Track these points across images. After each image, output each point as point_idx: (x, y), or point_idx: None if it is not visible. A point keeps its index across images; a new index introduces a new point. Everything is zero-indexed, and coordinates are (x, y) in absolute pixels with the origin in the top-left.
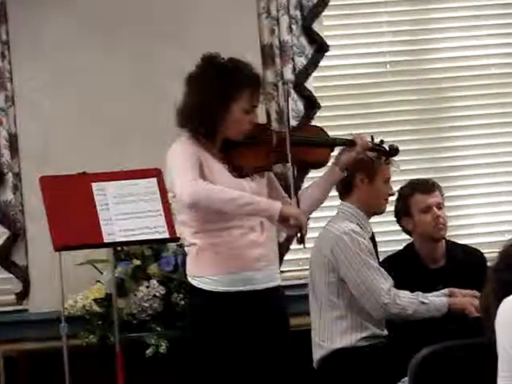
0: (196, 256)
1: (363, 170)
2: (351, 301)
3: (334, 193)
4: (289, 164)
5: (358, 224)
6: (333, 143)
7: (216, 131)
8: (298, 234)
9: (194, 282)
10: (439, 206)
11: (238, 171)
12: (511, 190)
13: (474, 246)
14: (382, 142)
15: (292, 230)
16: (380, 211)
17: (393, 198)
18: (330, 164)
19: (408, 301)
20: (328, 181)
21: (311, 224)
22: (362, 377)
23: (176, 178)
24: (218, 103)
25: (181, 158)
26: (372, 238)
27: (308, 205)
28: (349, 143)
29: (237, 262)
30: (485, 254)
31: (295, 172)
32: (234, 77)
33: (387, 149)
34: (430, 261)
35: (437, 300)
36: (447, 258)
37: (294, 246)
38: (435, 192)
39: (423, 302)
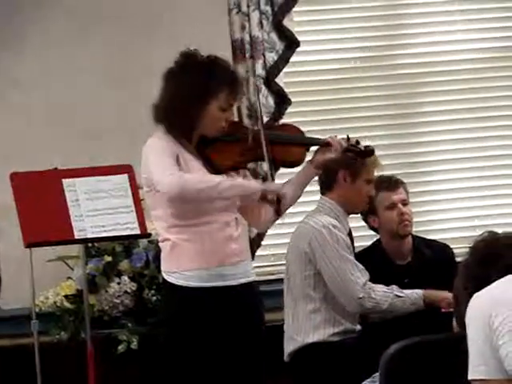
0: (170, 251)
1: (347, 168)
2: (326, 294)
3: (311, 188)
4: (265, 162)
5: (336, 219)
6: (309, 143)
7: (192, 128)
8: (277, 205)
9: (168, 278)
10: (404, 203)
11: (214, 168)
12: (481, 185)
13: (442, 241)
14: (357, 142)
15: (272, 204)
16: (358, 211)
17: None
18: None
19: (383, 295)
20: (302, 179)
21: (288, 219)
22: (333, 372)
23: (156, 173)
24: (195, 100)
25: (158, 153)
26: (349, 234)
27: (284, 203)
28: (324, 143)
29: (212, 257)
30: (455, 249)
31: (261, 169)
32: (212, 74)
33: (363, 149)
34: (396, 257)
35: (412, 293)
36: (414, 254)
37: (265, 241)
38: (399, 189)
39: (398, 296)
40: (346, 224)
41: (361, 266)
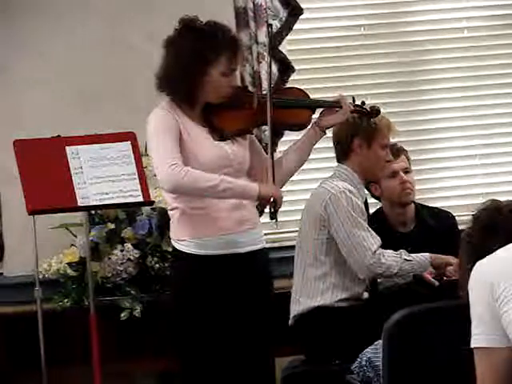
0: (179, 219)
1: (361, 135)
2: (337, 259)
3: (325, 154)
4: (268, 128)
5: (352, 186)
6: (316, 105)
7: (195, 95)
8: (272, 209)
9: (178, 246)
10: (406, 171)
11: (219, 134)
12: (485, 153)
13: (444, 209)
14: (363, 103)
15: (266, 205)
16: (376, 177)
17: None
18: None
19: (392, 260)
20: (309, 142)
21: (304, 186)
22: (337, 337)
23: (156, 159)
24: (195, 66)
25: (160, 134)
26: (365, 204)
27: (290, 166)
28: (332, 105)
29: (219, 225)
30: (458, 217)
31: (264, 135)
32: (211, 39)
33: (369, 110)
34: (399, 225)
35: (420, 256)
36: (417, 222)
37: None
38: (401, 157)
39: (407, 259)
40: (362, 192)
41: (373, 233)
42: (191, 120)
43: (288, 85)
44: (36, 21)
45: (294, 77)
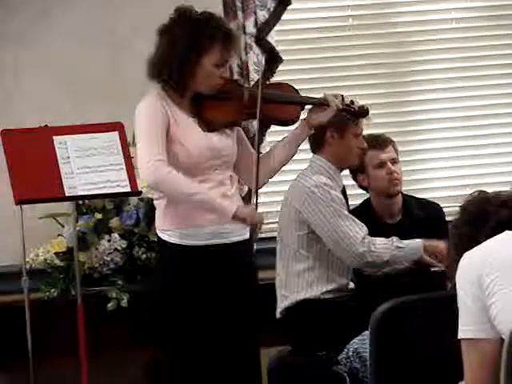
0: (164, 209)
1: (333, 126)
2: (320, 253)
3: (303, 147)
4: (256, 121)
5: (328, 177)
6: (305, 102)
7: (186, 84)
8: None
9: (163, 236)
10: (393, 161)
11: (208, 125)
12: (471, 144)
13: (431, 200)
14: (352, 102)
15: (246, 224)
16: (351, 166)
17: None
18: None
19: (383, 247)
20: (296, 138)
21: (280, 177)
22: (324, 329)
23: (141, 150)
24: (188, 55)
25: (147, 125)
26: (343, 192)
27: (276, 164)
28: (322, 103)
29: (204, 216)
30: (446, 208)
31: (252, 126)
32: (206, 30)
33: (357, 109)
34: (386, 216)
35: (412, 243)
36: (404, 213)
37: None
38: (388, 147)
39: (398, 247)
40: (339, 181)
41: (358, 221)
42: (180, 109)
43: (276, 75)
44: (24, 11)
45: (281, 67)
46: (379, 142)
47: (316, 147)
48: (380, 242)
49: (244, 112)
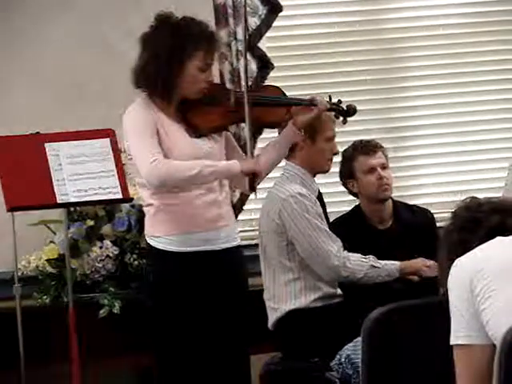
0: (153, 216)
1: (304, 130)
2: (302, 263)
3: None
4: (246, 125)
5: (303, 184)
6: (291, 103)
7: (171, 91)
8: (253, 182)
9: (152, 242)
10: (383, 167)
11: (195, 131)
12: (462, 150)
13: (422, 206)
14: (339, 101)
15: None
16: (323, 170)
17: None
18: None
19: (358, 264)
20: (286, 140)
21: (264, 184)
22: (316, 337)
23: (137, 156)
24: (171, 61)
25: (137, 129)
26: (320, 198)
27: (268, 164)
28: (308, 103)
29: (194, 222)
30: (436, 214)
31: (243, 133)
32: (187, 35)
33: (345, 108)
34: (377, 221)
35: (389, 264)
36: (394, 219)
37: (247, 206)
38: (378, 153)
39: (374, 266)
40: (314, 186)
41: (332, 234)
42: (167, 116)
43: (267, 82)
44: (14, 19)
45: (273, 73)
46: (369, 148)
47: (288, 153)
48: (355, 258)
49: (231, 116)
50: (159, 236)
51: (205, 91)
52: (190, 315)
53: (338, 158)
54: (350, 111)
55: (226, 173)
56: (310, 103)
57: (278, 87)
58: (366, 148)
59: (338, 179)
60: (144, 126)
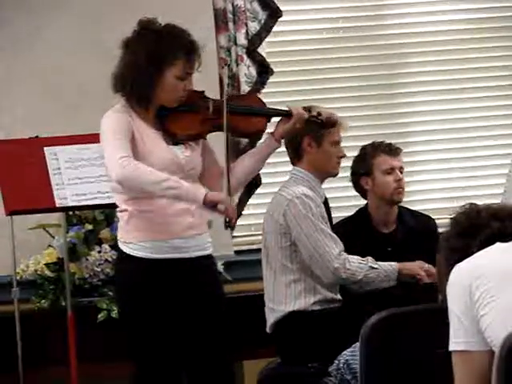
0: (127, 221)
1: (309, 135)
2: (304, 264)
3: (286, 158)
4: (224, 133)
5: (310, 188)
6: (268, 113)
7: (149, 97)
8: (227, 219)
9: (124, 248)
10: (401, 171)
11: (172, 138)
12: (463, 156)
13: (425, 213)
14: (319, 114)
15: (220, 214)
16: (332, 174)
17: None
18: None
19: (357, 266)
20: (263, 151)
21: (264, 189)
22: (315, 341)
23: (106, 153)
24: (150, 68)
25: (111, 131)
26: (325, 203)
27: (244, 174)
28: (285, 114)
29: (166, 230)
30: (437, 221)
31: (241, 143)
32: (167, 42)
33: (324, 120)
34: (381, 224)
35: (387, 265)
36: (398, 223)
37: (245, 211)
38: (399, 155)
39: (373, 267)
40: (320, 191)
41: (335, 236)
42: (145, 123)
43: (266, 87)
44: (14, 22)
45: (272, 79)
46: (391, 149)
47: (295, 158)
48: (355, 260)
49: (208, 124)
50: (131, 242)
51: (183, 99)
52: (159, 322)
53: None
54: (329, 124)
55: (186, 196)
56: (287, 113)
57: (258, 97)
58: (389, 148)
59: (341, 184)
60: (119, 129)
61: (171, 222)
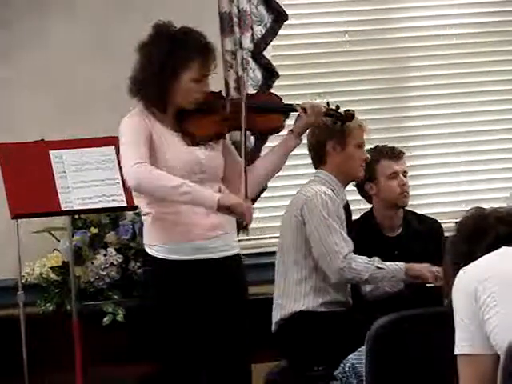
0: (151, 224)
1: (333, 137)
2: (315, 262)
3: (302, 161)
4: (241, 132)
5: (331, 189)
6: (285, 109)
7: (166, 100)
8: (244, 222)
9: (150, 251)
10: (405, 174)
11: (192, 140)
12: (469, 160)
13: (430, 216)
14: (337, 107)
15: (238, 216)
16: (356, 177)
17: None
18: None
19: (364, 265)
20: (283, 148)
21: (276, 192)
22: (321, 343)
23: (123, 157)
24: (166, 71)
25: (129, 135)
26: (346, 208)
27: (263, 173)
28: (301, 109)
29: (190, 231)
30: (443, 224)
31: (249, 142)
32: (183, 45)
33: (343, 114)
34: (387, 228)
35: (393, 265)
36: (404, 227)
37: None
38: (402, 159)
39: (379, 267)
40: (342, 195)
41: (347, 237)
42: (163, 125)
43: (272, 90)
44: (20, 25)
45: (278, 82)
46: (394, 153)
47: (318, 161)
48: (361, 260)
49: (227, 124)
50: (156, 244)
51: (200, 101)
52: (188, 324)
53: None
54: (348, 117)
55: (200, 199)
56: (305, 109)
57: (274, 93)
58: (392, 153)
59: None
60: (137, 133)
61: (195, 223)
